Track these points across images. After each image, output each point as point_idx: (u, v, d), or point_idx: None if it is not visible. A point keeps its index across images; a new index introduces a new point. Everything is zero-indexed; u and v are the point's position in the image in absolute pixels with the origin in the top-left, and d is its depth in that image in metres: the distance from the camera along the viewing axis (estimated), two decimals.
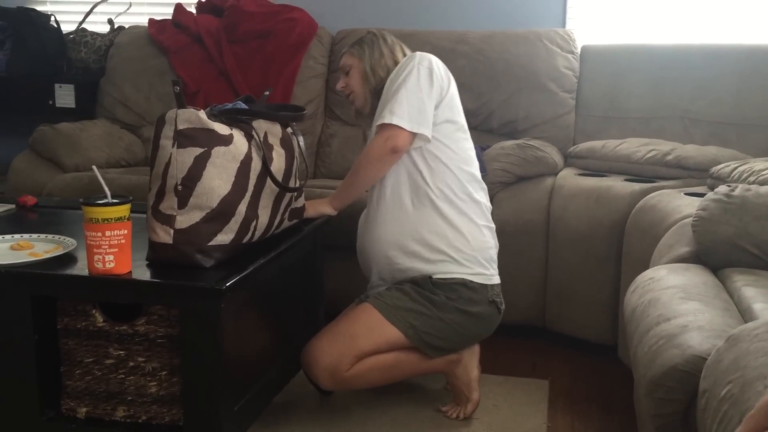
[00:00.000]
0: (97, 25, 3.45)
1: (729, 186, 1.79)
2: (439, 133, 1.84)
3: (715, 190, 1.80)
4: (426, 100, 1.80)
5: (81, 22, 3.42)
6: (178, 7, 3.29)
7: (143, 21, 3.35)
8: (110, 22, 3.44)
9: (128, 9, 3.50)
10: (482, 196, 1.92)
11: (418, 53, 1.89)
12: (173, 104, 1.60)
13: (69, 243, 1.65)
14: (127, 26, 3.41)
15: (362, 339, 1.76)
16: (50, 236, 1.70)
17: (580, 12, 3.19)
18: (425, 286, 1.82)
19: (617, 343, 2.23)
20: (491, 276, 1.89)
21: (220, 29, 3.18)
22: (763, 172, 2.05)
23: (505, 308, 1.94)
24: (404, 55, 1.98)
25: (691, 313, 1.39)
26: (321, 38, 3.22)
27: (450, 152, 1.85)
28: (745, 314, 1.40)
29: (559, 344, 2.43)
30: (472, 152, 1.94)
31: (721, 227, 1.67)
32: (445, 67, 1.92)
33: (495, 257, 1.93)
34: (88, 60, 3.34)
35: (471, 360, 1.94)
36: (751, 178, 2.04)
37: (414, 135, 1.80)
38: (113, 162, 2.98)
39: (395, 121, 1.77)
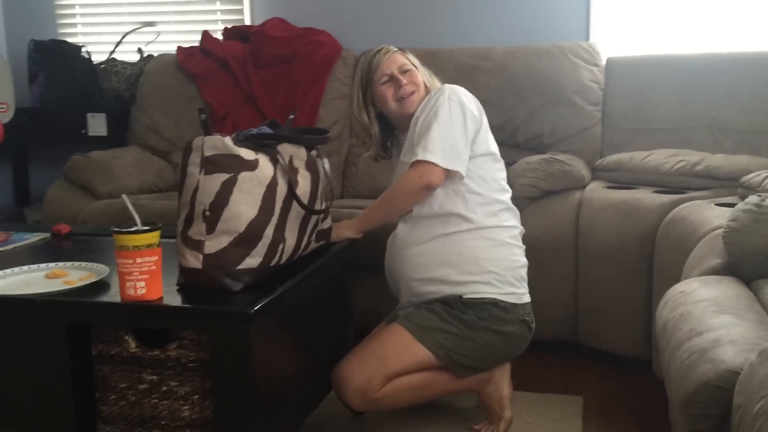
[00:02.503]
0: (127, 54, 3.53)
1: (760, 196, 1.76)
2: (476, 166, 1.85)
3: (746, 200, 1.77)
4: (459, 136, 1.80)
5: (111, 52, 3.50)
6: (205, 35, 3.36)
7: (171, 49, 3.42)
8: (140, 51, 3.53)
9: (157, 38, 3.58)
10: (514, 222, 1.93)
11: (447, 86, 1.89)
12: (201, 130, 1.62)
13: (102, 270, 1.68)
14: (156, 54, 3.48)
15: (392, 360, 1.76)
16: (84, 264, 1.74)
17: (604, 24, 3.18)
18: (455, 305, 1.81)
19: (651, 358, 2.19)
20: (522, 295, 1.88)
21: (247, 55, 3.24)
22: None
23: (536, 324, 1.93)
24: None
25: (724, 326, 1.36)
26: (345, 60, 3.26)
27: (485, 183, 1.86)
28: None
29: (592, 360, 2.41)
30: (505, 181, 1.94)
31: (753, 238, 1.65)
32: (474, 98, 1.91)
33: (525, 276, 1.92)
34: (119, 89, 3.42)
35: (502, 378, 1.93)
36: None
37: (448, 171, 1.80)
38: (145, 188, 3.04)
39: (429, 158, 1.77)
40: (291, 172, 1.67)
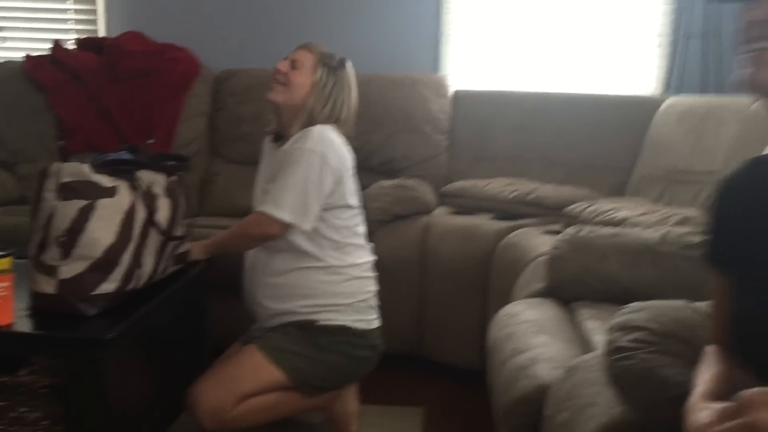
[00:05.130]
0: None
1: (577, 227, 2.01)
2: (332, 216, 1.90)
3: (565, 231, 2.01)
4: (311, 192, 1.82)
5: None
6: (57, 44, 3.26)
7: (18, 56, 3.29)
8: None
9: (2, 44, 3.42)
10: (365, 257, 2.00)
11: (317, 131, 1.87)
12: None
13: None
14: (1, 61, 3.33)
15: (246, 381, 1.82)
16: None
17: (453, 59, 3.42)
18: (309, 329, 1.90)
19: (486, 369, 2.40)
20: (371, 321, 1.99)
21: (101, 67, 3.18)
22: (608, 213, 2.31)
23: (384, 339, 2.04)
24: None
25: (541, 345, 1.57)
26: (204, 78, 3.28)
27: (338, 232, 1.91)
28: (586, 346, 1.59)
29: (435, 372, 2.59)
30: (359, 225, 1.99)
31: (570, 265, 1.88)
32: (341, 144, 1.91)
33: (375, 304, 2.01)
34: None
35: (349, 395, 2.04)
36: (598, 218, 2.29)
37: (291, 225, 1.84)
38: None
39: (276, 214, 1.81)
40: (150, 199, 1.71)
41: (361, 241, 2.01)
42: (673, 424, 0.95)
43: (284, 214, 1.82)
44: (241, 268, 2.06)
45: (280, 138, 2.02)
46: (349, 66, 2.06)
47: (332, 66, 2.01)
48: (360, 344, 1.94)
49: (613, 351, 1.18)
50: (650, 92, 3.32)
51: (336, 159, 1.87)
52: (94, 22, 3.46)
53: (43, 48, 3.29)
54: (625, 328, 1.19)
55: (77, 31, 3.48)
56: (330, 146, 1.87)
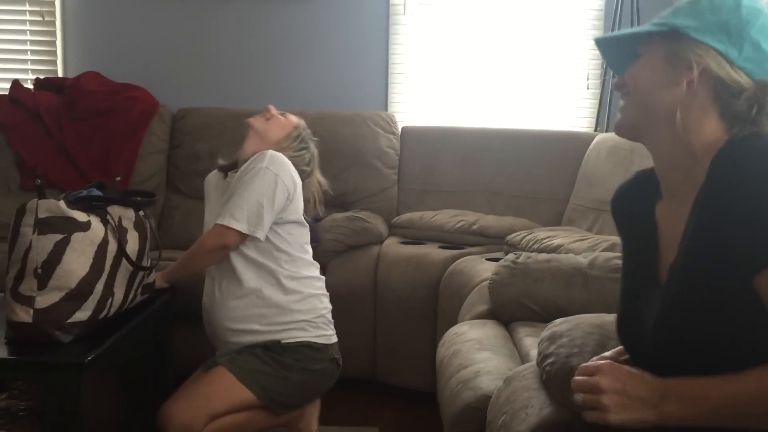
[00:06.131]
0: None
1: (516, 254, 2.19)
2: (285, 231, 2.06)
3: (505, 257, 2.19)
4: (265, 204, 1.99)
5: None
6: (15, 84, 3.34)
7: None
8: None
9: None
10: (316, 272, 2.17)
11: (269, 153, 2.05)
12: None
13: None
14: None
15: (216, 400, 1.92)
16: None
17: (400, 96, 3.62)
18: (274, 349, 2.02)
19: (437, 391, 2.56)
20: (330, 336, 2.14)
21: (60, 106, 3.27)
22: (545, 240, 2.51)
23: (336, 374, 2.18)
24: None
25: (484, 360, 1.73)
26: (162, 116, 3.40)
27: (290, 246, 2.08)
28: (524, 359, 1.76)
29: (388, 394, 2.73)
30: (308, 242, 2.17)
31: (509, 289, 2.05)
32: (292, 169, 2.08)
33: (331, 319, 2.17)
34: None
35: (312, 415, 2.17)
36: (536, 246, 2.48)
37: (246, 235, 2.00)
38: None
39: (232, 225, 1.97)
40: (120, 232, 1.83)
41: (311, 258, 2.16)
42: None
43: (241, 225, 1.97)
44: (201, 298, 2.17)
45: (231, 169, 2.20)
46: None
47: (308, 132, 2.30)
48: (321, 358, 2.07)
49: (543, 359, 1.35)
50: (584, 128, 3.58)
51: (288, 178, 2.05)
52: (53, 62, 3.55)
53: (1, 88, 3.36)
54: (551, 338, 1.37)
55: (35, 71, 3.56)
56: (282, 166, 2.04)
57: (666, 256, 1.06)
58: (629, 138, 1.10)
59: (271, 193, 2.00)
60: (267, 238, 2.03)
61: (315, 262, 2.20)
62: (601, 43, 1.14)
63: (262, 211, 1.99)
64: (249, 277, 2.05)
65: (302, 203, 2.15)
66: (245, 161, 2.09)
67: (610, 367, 1.01)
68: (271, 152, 2.06)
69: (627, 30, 1.11)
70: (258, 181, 2.00)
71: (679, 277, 0.99)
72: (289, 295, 2.05)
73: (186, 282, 2.19)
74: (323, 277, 2.21)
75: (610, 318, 1.41)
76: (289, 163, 2.08)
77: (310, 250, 2.18)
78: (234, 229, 1.97)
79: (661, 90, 1.02)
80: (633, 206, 1.15)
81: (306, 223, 2.16)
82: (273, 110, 2.25)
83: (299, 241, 2.12)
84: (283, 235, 2.07)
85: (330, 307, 2.18)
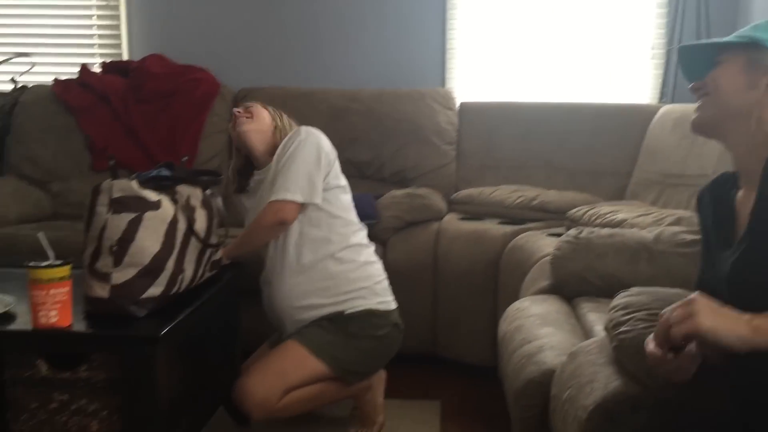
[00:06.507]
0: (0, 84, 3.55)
1: (578, 229, 2.17)
2: (330, 195, 2.12)
3: (568, 232, 2.18)
4: (314, 171, 2.06)
5: None
6: (84, 68, 3.45)
7: (47, 80, 3.48)
8: (13, 81, 3.55)
9: (31, 69, 3.62)
10: (365, 237, 2.21)
11: (303, 128, 2.13)
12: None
13: (7, 302, 1.80)
14: (30, 85, 3.53)
15: (291, 374, 1.99)
16: None
17: (458, 73, 3.60)
18: (339, 320, 2.08)
19: (497, 365, 2.57)
20: (390, 302, 2.18)
21: (127, 89, 3.37)
22: (607, 215, 2.47)
23: (400, 339, 2.22)
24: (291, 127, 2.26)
25: (547, 336, 1.73)
26: (224, 96, 3.47)
27: (340, 210, 2.14)
28: (588, 335, 1.76)
29: (448, 369, 2.76)
30: (351, 202, 2.22)
31: (572, 264, 2.04)
32: (327, 140, 2.15)
33: (388, 286, 2.21)
34: None
35: (379, 387, 2.22)
36: (598, 220, 2.45)
37: (303, 205, 2.06)
38: (23, 218, 3.08)
39: (289, 197, 2.03)
40: (189, 211, 1.89)
41: (356, 218, 2.21)
42: (667, 394, 1.12)
43: (296, 196, 2.04)
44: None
45: (246, 176, 2.32)
46: None
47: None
48: (384, 324, 2.12)
49: (614, 326, 1.34)
50: (647, 101, 3.49)
51: (327, 144, 2.13)
52: (118, 46, 3.66)
53: (70, 72, 3.49)
54: (625, 307, 1.36)
55: (102, 55, 3.67)
56: (319, 135, 2.12)
57: (741, 226, 1.17)
58: (705, 135, 1.25)
59: (316, 160, 2.07)
60: (319, 207, 2.08)
61: (361, 224, 2.23)
62: (681, 51, 1.29)
63: (314, 179, 2.06)
64: (305, 252, 2.10)
65: (339, 169, 2.20)
66: (265, 154, 2.20)
67: (701, 295, 1.03)
68: (304, 127, 2.15)
69: (713, 39, 1.28)
70: (301, 153, 2.06)
71: (750, 232, 1.11)
72: (344, 265, 2.10)
73: (249, 258, 2.25)
74: (373, 244, 2.24)
75: (685, 295, 1.39)
76: (321, 132, 2.15)
77: (354, 210, 2.22)
78: (291, 201, 2.03)
79: (740, 92, 1.17)
80: (715, 199, 1.28)
81: (348, 189, 2.21)
82: (240, 109, 2.29)
83: (347, 205, 2.18)
84: (332, 200, 2.12)
85: (385, 274, 2.22)
